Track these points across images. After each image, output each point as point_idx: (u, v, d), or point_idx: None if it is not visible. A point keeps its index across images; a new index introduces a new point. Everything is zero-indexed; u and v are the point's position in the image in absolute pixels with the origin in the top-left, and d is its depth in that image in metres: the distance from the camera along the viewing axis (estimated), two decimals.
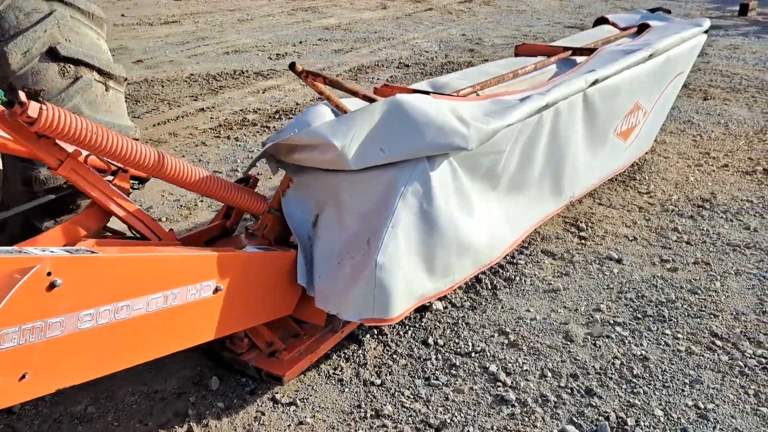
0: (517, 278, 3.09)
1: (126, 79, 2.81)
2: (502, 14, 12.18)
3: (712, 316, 2.81)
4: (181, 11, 12.35)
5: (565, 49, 3.74)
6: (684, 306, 2.87)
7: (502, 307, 2.87)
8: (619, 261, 3.24)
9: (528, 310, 2.86)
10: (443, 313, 2.83)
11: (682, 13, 11.92)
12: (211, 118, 5.83)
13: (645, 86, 3.75)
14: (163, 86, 6.88)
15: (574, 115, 3.12)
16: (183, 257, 1.95)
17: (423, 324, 2.76)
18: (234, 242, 2.54)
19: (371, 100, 2.23)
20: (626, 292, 2.98)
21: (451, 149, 2.28)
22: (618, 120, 3.64)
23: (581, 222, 3.64)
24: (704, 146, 4.86)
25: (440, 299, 2.91)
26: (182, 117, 5.81)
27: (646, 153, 4.61)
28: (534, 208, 3.18)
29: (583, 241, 3.44)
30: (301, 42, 9.41)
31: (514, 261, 3.24)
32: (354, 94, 2.26)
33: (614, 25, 4.52)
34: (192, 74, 7.40)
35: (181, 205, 4.05)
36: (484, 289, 3.01)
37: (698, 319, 2.78)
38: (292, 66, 2.15)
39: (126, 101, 6.35)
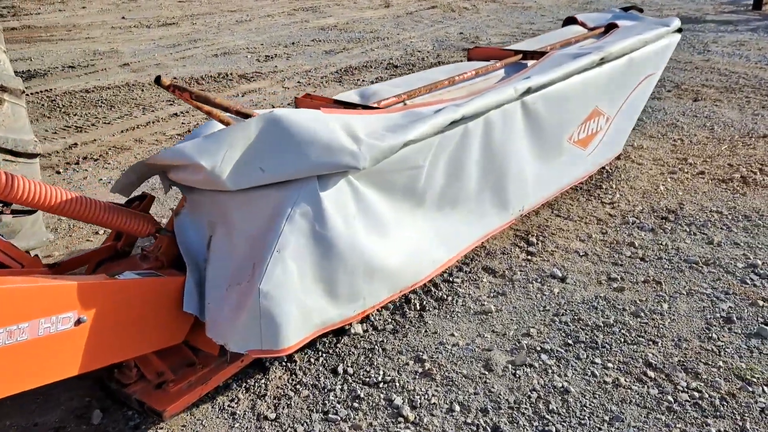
0: (450, 298, 2.92)
1: (23, 91, 2.69)
2: (506, 11, 11.92)
3: (650, 342, 2.60)
4: (183, 12, 12.32)
5: (517, 52, 3.54)
6: (622, 331, 2.67)
7: (426, 331, 2.70)
8: (562, 279, 3.04)
9: (452, 335, 2.68)
10: (362, 337, 2.67)
11: (695, 8, 11.54)
12: (182, 123, 5.73)
13: (604, 91, 3.54)
14: (142, 90, 6.81)
15: (512, 126, 2.93)
16: (30, 288, 1.82)
17: (337, 349, 2.60)
18: (127, 264, 2.41)
19: (246, 116, 2.08)
20: (562, 315, 2.78)
21: (341, 168, 2.12)
22: (573, 127, 3.44)
23: (532, 235, 3.45)
24: (683, 151, 4.61)
25: (361, 321, 2.75)
26: (153, 122, 5.72)
27: (617, 158, 4.38)
28: (474, 224, 3.01)
29: (529, 257, 3.25)
30: (293, 43, 9.29)
31: (451, 279, 3.06)
32: (226, 109, 2.11)
33: (583, 25, 4.30)
34: (176, 77, 7.31)
35: None
36: (411, 310, 2.84)
37: (634, 346, 2.58)
38: (157, 80, 2.01)
39: (100, 106, 6.32)
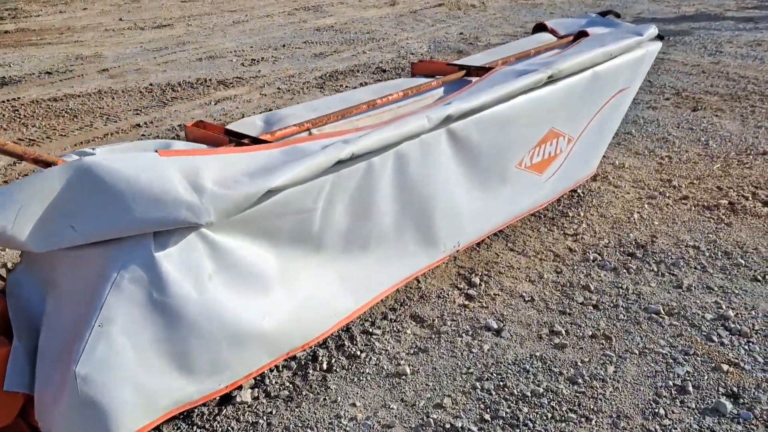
0: (364, 355, 2.54)
1: None
2: (515, 9, 11.42)
3: (582, 419, 2.19)
4: (182, 13, 12.08)
5: (461, 68, 3.13)
6: (551, 403, 2.26)
7: (325, 400, 2.33)
8: (497, 332, 2.64)
9: (354, 404, 2.30)
10: (249, 406, 2.31)
11: (716, 3, 10.90)
12: (142, 135, 5.43)
13: (561, 110, 3.13)
14: (113, 98, 6.54)
15: (436, 157, 2.54)
16: None
17: (215, 423, 2.24)
18: None
19: (48, 164, 1.72)
20: (486, 380, 2.38)
21: (178, 224, 1.76)
22: (522, 152, 3.03)
23: (477, 274, 3.04)
24: (669, 171, 4.14)
25: (254, 386, 2.39)
26: (112, 134, 5.43)
27: (593, 179, 3.94)
28: (394, 266, 2.64)
29: (467, 302, 2.85)
30: (284, 45, 8.96)
31: (371, 330, 2.68)
32: (20, 157, 1.76)
33: (553, 32, 3.86)
34: (151, 84, 7.04)
35: None
36: (316, 370, 2.47)
37: (562, 425, 2.17)
38: None
39: (63, 116, 6.07)
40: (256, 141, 2.26)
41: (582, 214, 3.60)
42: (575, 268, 3.09)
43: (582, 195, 3.81)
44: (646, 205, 3.68)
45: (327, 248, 2.32)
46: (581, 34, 3.65)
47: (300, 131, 2.44)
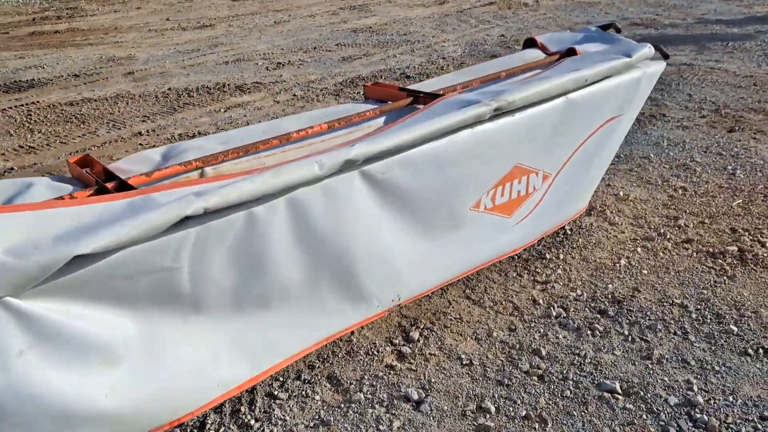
0: (257, 425, 2.26)
1: None
2: (568, 9, 10.78)
3: None
4: (229, 13, 12.10)
5: (409, 94, 2.78)
6: None
7: None
8: (417, 405, 2.30)
9: None
10: None
11: (750, 2, 9.93)
12: (140, 144, 5.32)
13: (528, 145, 2.73)
14: (127, 103, 6.50)
15: (347, 202, 2.22)
16: None
17: None
18: None
19: None
20: None
21: None
22: (477, 192, 2.66)
23: (419, 327, 2.70)
24: (679, 207, 3.63)
25: None
26: (111, 142, 5.35)
27: (588, 214, 3.49)
28: (309, 325, 2.36)
29: (396, 362, 2.52)
30: (315, 48, 8.74)
31: (277, 393, 2.39)
32: None
33: (543, 48, 3.43)
34: (170, 88, 6.97)
35: None
36: None
37: None
38: None
39: (71, 122, 6.04)
40: (122, 186, 2.00)
41: (561, 256, 3.17)
42: (532, 325, 2.69)
43: (569, 233, 3.37)
44: (639, 249, 3.20)
45: (209, 309, 2.05)
46: (569, 52, 3.22)
47: (186, 170, 2.17)
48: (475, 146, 2.50)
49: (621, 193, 3.79)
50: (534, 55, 3.39)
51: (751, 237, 3.24)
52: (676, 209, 3.59)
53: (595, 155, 3.13)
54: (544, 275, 3.03)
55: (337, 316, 2.42)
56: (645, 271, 3.02)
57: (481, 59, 7.64)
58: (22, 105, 6.50)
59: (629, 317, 2.70)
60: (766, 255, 3.08)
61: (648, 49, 2.96)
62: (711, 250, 3.16)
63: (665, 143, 4.50)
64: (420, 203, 2.47)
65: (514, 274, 3.05)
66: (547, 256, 3.18)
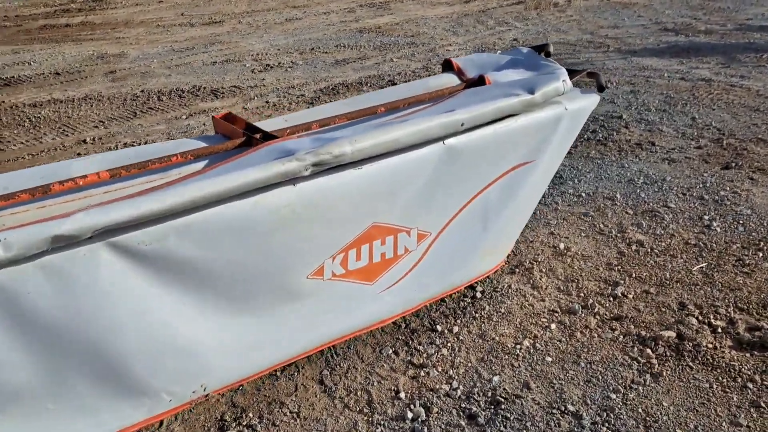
0: None
1: None
2: (600, 10, 9.97)
3: None
4: (246, 8, 11.77)
5: (248, 132, 2.26)
6: None
7: None
8: None
9: None
10: None
11: None
12: (78, 153, 4.97)
13: (387, 201, 2.18)
14: (91, 106, 6.19)
15: (93, 282, 1.72)
16: None
17: None
18: None
19: None
20: None
21: None
22: (317, 258, 2.14)
23: (242, 422, 2.19)
24: (625, 268, 2.99)
25: None
26: (48, 151, 5.02)
27: (509, 271, 2.90)
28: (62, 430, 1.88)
29: None
30: (312, 49, 8.27)
31: None
32: None
33: (459, 72, 2.85)
34: (143, 91, 6.64)
35: None
36: None
37: None
38: None
39: (23, 125, 5.76)
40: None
41: (456, 329, 2.59)
42: (377, 431, 2.13)
43: (477, 296, 2.79)
44: (554, 325, 2.59)
45: None
46: (478, 81, 2.63)
47: None
48: (302, 207, 1.97)
49: (562, 246, 3.16)
50: (447, 80, 2.81)
51: (700, 317, 2.58)
52: (621, 272, 2.94)
53: (499, 208, 2.54)
54: (424, 355, 2.46)
55: (106, 416, 1.94)
56: (549, 359, 2.42)
57: None
58: None
59: (502, 426, 2.11)
60: (710, 346, 2.42)
61: (559, 84, 2.34)
62: (643, 333, 2.52)
63: (641, 181, 3.82)
64: (225, 277, 1.96)
65: (390, 351, 2.50)
66: (439, 327, 2.61)
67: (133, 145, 5.11)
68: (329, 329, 2.33)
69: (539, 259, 3.05)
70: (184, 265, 1.85)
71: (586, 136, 4.58)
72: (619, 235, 3.25)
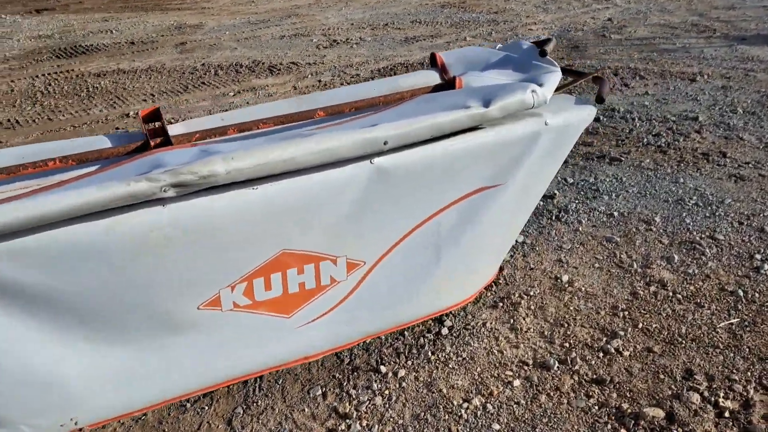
0: None
1: None
2: None
3: None
4: None
5: (154, 136, 1.99)
6: None
7: None
8: None
9: None
10: None
11: None
12: (117, 128, 4.97)
13: (297, 225, 1.86)
14: (149, 78, 6.21)
15: None
16: None
17: None
18: None
19: None
20: None
21: None
22: (210, 288, 1.86)
23: None
24: (633, 315, 2.48)
25: None
26: (90, 123, 5.07)
27: (491, 305, 2.49)
28: None
29: None
30: (386, 24, 7.92)
31: None
32: None
33: (443, 69, 2.43)
34: (203, 64, 6.60)
35: None
36: None
37: None
38: None
39: (78, 95, 5.84)
40: None
41: (403, 372, 2.23)
42: None
43: (444, 332, 2.40)
44: (517, 383, 2.17)
45: None
46: (448, 84, 2.21)
47: None
48: (178, 231, 1.69)
49: (565, 278, 2.68)
50: (423, 79, 2.40)
51: (707, 393, 2.06)
52: (625, 319, 2.43)
53: (456, 237, 2.13)
54: (355, 402, 2.13)
55: None
56: (496, 427, 2.01)
57: (562, 51, 6.35)
58: (58, 72, 6.47)
59: None
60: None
61: (526, 96, 1.87)
62: (624, 407, 2.04)
63: (692, 201, 3.20)
64: (89, 305, 1.72)
65: (319, 392, 2.18)
66: (383, 368, 2.25)
67: (172, 122, 5.03)
68: (237, 364, 2.05)
69: (531, 293, 2.59)
70: (29, 291, 1.62)
71: (645, 141, 3.94)
72: (640, 270, 2.70)
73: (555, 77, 2.07)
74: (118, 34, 7.95)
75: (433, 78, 2.41)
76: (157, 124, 2.10)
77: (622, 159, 3.70)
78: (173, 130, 2.15)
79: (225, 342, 1.98)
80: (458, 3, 8.91)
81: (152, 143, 1.90)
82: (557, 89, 2.25)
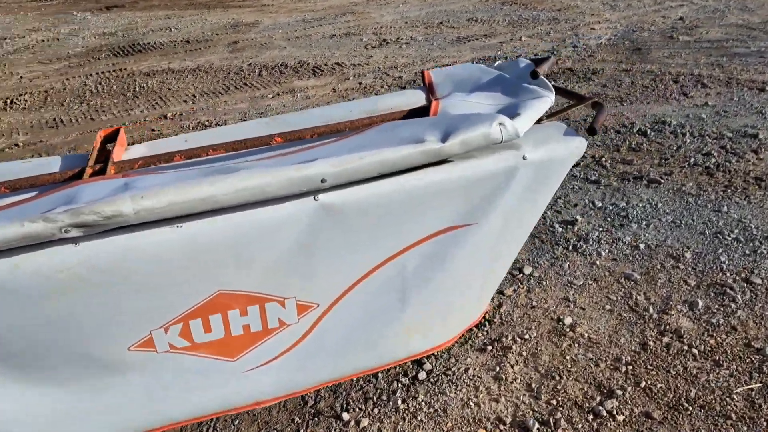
0: None
1: None
2: None
3: None
4: None
5: (100, 160, 1.89)
6: None
7: None
8: None
9: None
10: None
11: None
12: (152, 130, 5.01)
13: (242, 263, 1.73)
14: (195, 78, 6.25)
15: None
16: None
17: None
18: None
19: None
20: None
21: None
22: (139, 329, 1.75)
23: None
24: (636, 371, 2.19)
25: None
26: (128, 124, 5.12)
27: (479, 348, 2.28)
28: None
29: None
30: (441, 23, 7.67)
31: None
32: None
33: (430, 89, 2.23)
34: (250, 64, 6.58)
35: None
36: None
37: None
38: None
39: (124, 95, 5.90)
40: None
41: (366, 422, 2.06)
42: None
43: (422, 376, 2.21)
44: None
45: None
46: (422, 109, 2.00)
47: None
48: (92, 271, 1.58)
49: (568, 320, 2.41)
50: (406, 100, 2.21)
51: None
52: (627, 375, 2.15)
53: (423, 280, 1.92)
54: None
55: None
56: None
57: (623, 52, 5.92)
58: (111, 71, 6.61)
59: None
60: None
61: (491, 130, 1.64)
62: None
63: (732, 235, 2.84)
64: (10, 344, 1.64)
65: None
66: (346, 416, 2.08)
67: (205, 126, 5.02)
68: (181, 407, 1.92)
69: (527, 336, 2.34)
70: None
71: (692, 160, 3.56)
72: (656, 316, 2.39)
73: (541, 105, 1.82)
74: (176, 33, 8.07)
75: (417, 98, 2.21)
76: (110, 146, 2.00)
77: (662, 181, 3.35)
78: (129, 153, 2.05)
79: (167, 384, 1.86)
80: (519, 0, 8.53)
81: (89, 170, 1.79)
82: (552, 114, 2.00)
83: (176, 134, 4.55)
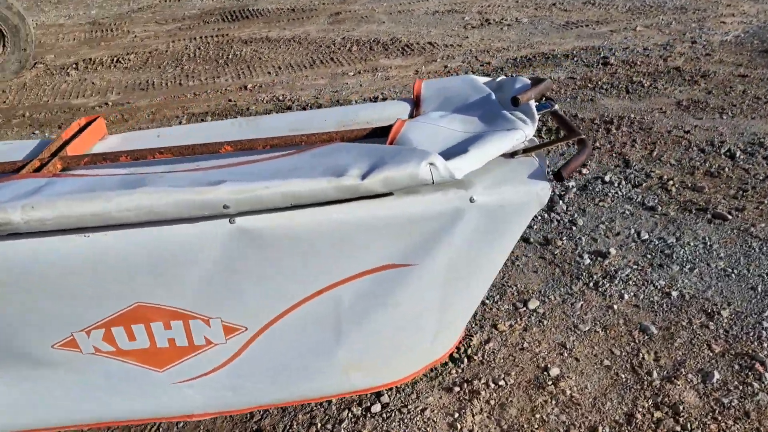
0: None
1: None
2: None
3: None
4: None
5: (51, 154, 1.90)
6: None
7: None
8: None
9: None
10: None
11: None
12: (230, 100, 5.12)
13: (162, 279, 1.70)
14: (287, 49, 6.31)
15: None
16: None
17: None
18: None
19: None
20: None
21: None
22: (59, 331, 1.80)
23: None
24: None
25: None
26: (209, 92, 5.27)
27: (438, 387, 2.13)
28: None
29: None
30: (553, 4, 7.21)
31: None
32: None
33: (417, 102, 2.05)
34: (344, 38, 6.55)
35: None
36: None
37: None
38: None
39: (217, 62, 6.01)
40: None
41: None
42: None
43: (376, 409, 2.09)
44: None
45: None
46: (383, 130, 1.84)
47: None
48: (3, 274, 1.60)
49: (554, 372, 2.16)
50: (387, 112, 2.04)
51: None
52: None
53: (359, 316, 1.78)
54: None
55: None
56: None
57: (740, 54, 5.24)
58: (214, 36, 6.82)
59: None
60: None
61: (419, 171, 1.45)
62: None
63: (762, 288, 2.40)
64: None
65: None
66: None
67: (279, 101, 5.04)
68: (107, 408, 1.93)
69: (502, 382, 2.13)
70: None
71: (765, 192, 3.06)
72: (657, 383, 2.08)
73: (504, 141, 1.60)
74: (285, 0, 8.16)
75: (401, 111, 2.03)
76: (83, 135, 2.00)
77: (729, 217, 2.90)
78: (102, 144, 2.05)
79: (96, 385, 1.87)
80: None
81: (35, 163, 1.79)
82: (541, 146, 1.75)
83: (248, 108, 4.61)
